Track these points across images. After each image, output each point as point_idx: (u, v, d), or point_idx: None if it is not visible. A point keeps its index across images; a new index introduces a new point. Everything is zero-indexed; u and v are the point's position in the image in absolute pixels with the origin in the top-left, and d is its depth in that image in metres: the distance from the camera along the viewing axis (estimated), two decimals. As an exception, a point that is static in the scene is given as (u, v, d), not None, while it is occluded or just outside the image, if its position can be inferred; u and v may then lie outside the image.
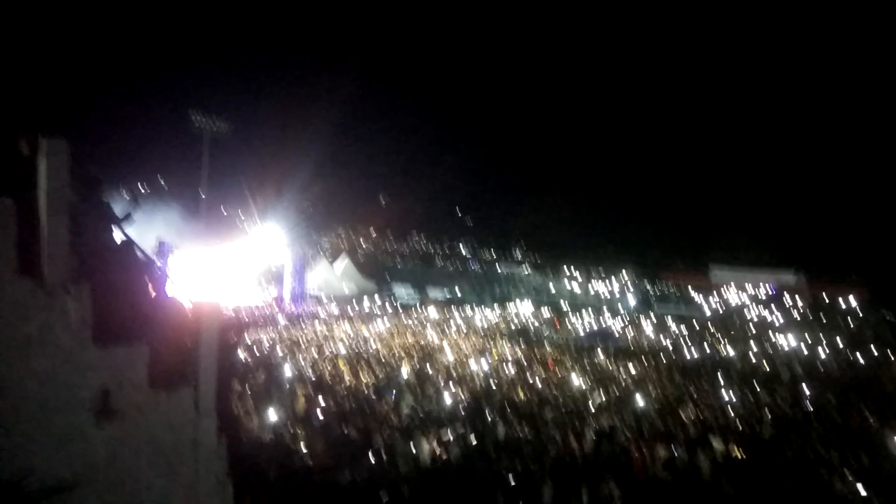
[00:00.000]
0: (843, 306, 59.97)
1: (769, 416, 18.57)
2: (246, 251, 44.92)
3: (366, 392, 19.03)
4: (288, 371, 20.87)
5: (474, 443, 14.83)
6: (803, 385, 23.55)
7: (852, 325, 47.69)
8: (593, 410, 18.39)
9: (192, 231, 35.72)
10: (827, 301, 62.72)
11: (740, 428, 17.55)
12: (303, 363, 22.63)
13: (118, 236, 5.64)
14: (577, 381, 22.43)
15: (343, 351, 25.85)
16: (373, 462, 13.34)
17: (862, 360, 32.04)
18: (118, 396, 4.63)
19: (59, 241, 4.42)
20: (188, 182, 52.10)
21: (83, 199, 5.48)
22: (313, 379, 20.26)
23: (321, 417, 16.00)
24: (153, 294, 5.67)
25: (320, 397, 17.77)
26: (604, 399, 20.09)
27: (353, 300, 48.96)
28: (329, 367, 22.39)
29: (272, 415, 15.30)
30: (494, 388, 20.70)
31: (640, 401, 19.66)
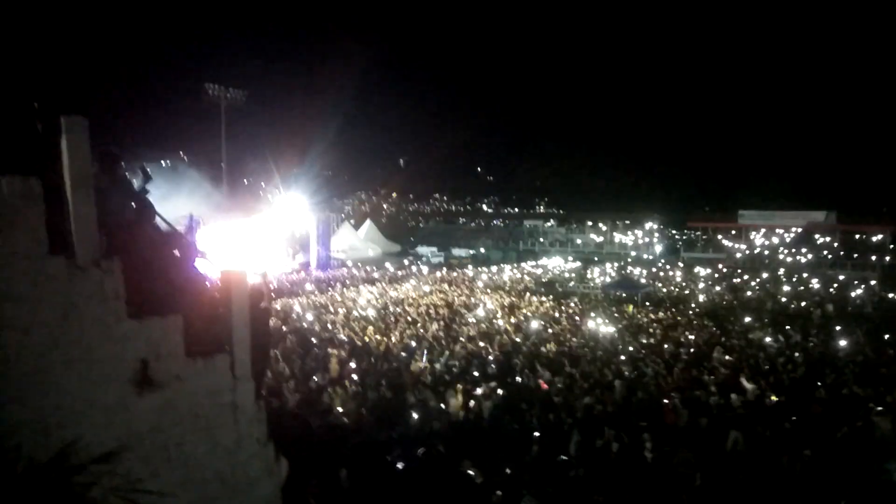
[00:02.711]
0: (875, 243, 58.84)
1: (801, 357, 18.44)
2: (270, 219, 45.26)
3: (396, 352, 19.27)
4: (319, 335, 21.17)
5: (505, 397, 14.99)
6: (835, 324, 23.33)
7: (884, 262, 46.82)
8: (623, 359, 18.44)
9: (217, 203, 36.05)
10: (857, 239, 61.57)
11: (772, 369, 17.47)
12: (333, 326, 22.94)
13: (142, 210, 5.72)
14: (606, 330, 22.49)
15: (372, 312, 26.13)
16: (406, 420, 13.60)
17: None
18: (156, 366, 4.76)
19: (87, 218, 4.49)
20: (212, 154, 52.59)
21: (105, 174, 5.56)
22: (345, 341, 20.56)
23: (354, 378, 16.28)
24: (182, 266, 5.77)
25: (352, 359, 18.06)
26: (633, 348, 20.12)
27: (378, 262, 49.26)
28: (359, 329, 22.66)
29: (307, 378, 15.60)
30: (523, 341, 20.82)
31: (669, 348, 19.66)
